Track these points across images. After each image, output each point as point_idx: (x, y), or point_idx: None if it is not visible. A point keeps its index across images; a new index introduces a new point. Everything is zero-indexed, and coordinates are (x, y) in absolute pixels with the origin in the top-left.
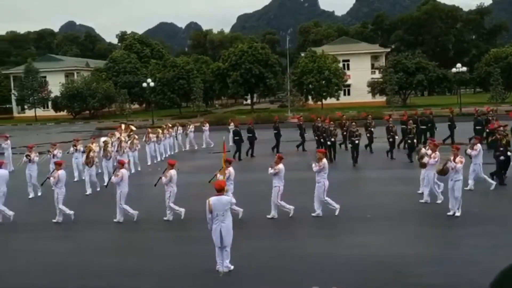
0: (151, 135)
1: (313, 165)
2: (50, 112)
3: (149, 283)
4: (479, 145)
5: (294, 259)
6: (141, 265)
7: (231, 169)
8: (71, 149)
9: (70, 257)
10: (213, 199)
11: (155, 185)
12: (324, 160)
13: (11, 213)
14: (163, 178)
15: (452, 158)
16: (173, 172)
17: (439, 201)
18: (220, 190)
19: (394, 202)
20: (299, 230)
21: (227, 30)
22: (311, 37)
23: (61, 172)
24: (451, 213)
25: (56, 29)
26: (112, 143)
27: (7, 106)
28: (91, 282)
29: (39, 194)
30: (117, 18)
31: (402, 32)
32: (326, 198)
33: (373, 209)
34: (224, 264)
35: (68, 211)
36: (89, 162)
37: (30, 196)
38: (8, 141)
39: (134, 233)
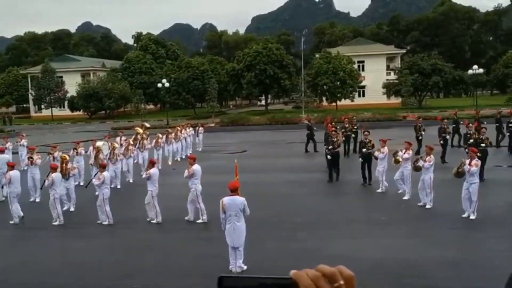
0: (178, 133)
1: (185, 173)
2: (66, 112)
3: (154, 281)
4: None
5: (309, 261)
6: (155, 264)
7: (195, 167)
8: (71, 152)
9: (98, 257)
10: (226, 200)
11: (86, 186)
12: (195, 167)
13: (21, 214)
14: (185, 172)
15: (467, 161)
16: (195, 167)
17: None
18: (234, 191)
19: (409, 203)
20: (313, 233)
21: (242, 31)
22: (326, 38)
23: (55, 175)
24: (465, 215)
25: (73, 29)
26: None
27: (25, 105)
28: (123, 281)
29: (38, 199)
30: (133, 19)
31: (418, 33)
32: (199, 202)
33: (388, 212)
34: (237, 264)
35: (61, 214)
36: (112, 158)
37: (31, 199)
38: (23, 141)
39: (152, 233)
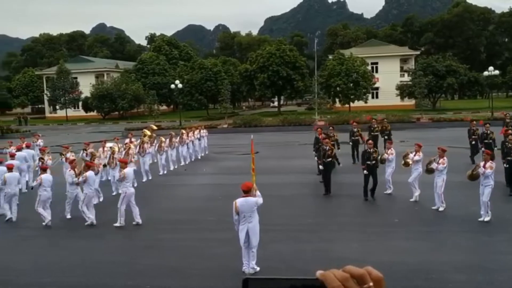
0: (184, 136)
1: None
2: (81, 113)
3: (172, 282)
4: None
5: (321, 263)
6: (166, 264)
7: (127, 170)
8: (82, 153)
9: (112, 256)
10: (240, 201)
11: (31, 187)
12: (127, 170)
13: (10, 215)
14: (116, 175)
15: (482, 163)
16: (127, 171)
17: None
18: (247, 191)
19: (423, 206)
20: (326, 235)
21: (255, 32)
22: (339, 40)
23: (44, 176)
24: (481, 218)
25: (87, 31)
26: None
27: (40, 106)
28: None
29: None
30: (147, 21)
31: (432, 34)
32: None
33: (400, 214)
34: (250, 265)
35: (46, 215)
36: (111, 163)
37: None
38: (39, 141)
39: (163, 234)
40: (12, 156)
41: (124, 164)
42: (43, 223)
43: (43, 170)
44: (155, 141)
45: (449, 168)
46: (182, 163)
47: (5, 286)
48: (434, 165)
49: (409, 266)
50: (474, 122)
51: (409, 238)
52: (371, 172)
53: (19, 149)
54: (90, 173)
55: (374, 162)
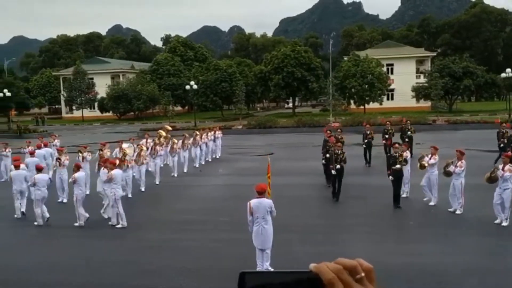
0: (197, 138)
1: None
2: (96, 113)
3: (185, 282)
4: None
5: None
6: (178, 265)
7: (115, 172)
8: (97, 153)
9: (125, 256)
10: (254, 202)
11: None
12: (114, 172)
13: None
14: (103, 176)
15: (501, 166)
16: (115, 172)
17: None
18: (262, 193)
19: (438, 209)
20: (340, 236)
21: (269, 33)
22: (354, 41)
23: (38, 176)
24: (498, 221)
25: (103, 32)
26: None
27: (56, 106)
28: (147, 280)
29: (65, 200)
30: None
31: (449, 35)
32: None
33: (415, 217)
34: (264, 266)
35: (39, 217)
36: (137, 161)
37: (58, 200)
38: (56, 141)
39: (175, 234)
40: (32, 153)
41: (112, 165)
42: (35, 223)
43: (38, 170)
44: (169, 143)
45: (466, 171)
46: (195, 165)
47: (16, 285)
48: (451, 168)
49: (423, 269)
50: (504, 124)
51: (424, 240)
52: (398, 178)
53: (39, 147)
54: (79, 174)
55: (399, 166)
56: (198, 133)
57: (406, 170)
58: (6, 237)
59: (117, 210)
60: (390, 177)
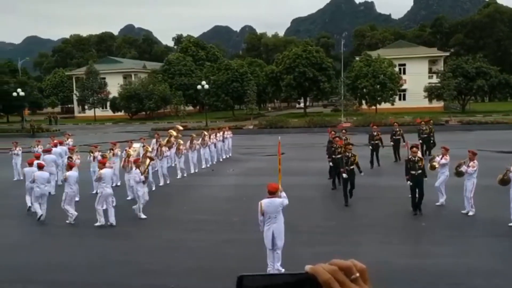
0: (206, 138)
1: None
2: (108, 112)
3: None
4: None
5: None
6: (189, 264)
7: (104, 171)
8: (108, 152)
9: (137, 255)
10: (265, 202)
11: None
12: (104, 171)
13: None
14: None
15: None
16: (104, 171)
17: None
18: (273, 192)
19: (451, 210)
20: (351, 238)
21: (281, 33)
22: (366, 41)
23: (38, 173)
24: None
25: (116, 32)
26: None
27: (69, 106)
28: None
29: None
30: (174, 22)
31: (462, 35)
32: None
33: (428, 218)
34: (275, 266)
35: (39, 210)
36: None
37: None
38: (69, 140)
39: (190, 233)
40: (49, 151)
41: (102, 165)
42: (37, 218)
43: (39, 167)
44: (174, 144)
45: (478, 172)
46: (204, 166)
47: (34, 283)
48: (464, 168)
49: (435, 271)
50: None
51: (436, 242)
52: (417, 183)
53: (55, 145)
54: (71, 173)
55: (420, 171)
56: (206, 133)
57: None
58: (14, 235)
59: (98, 207)
60: (409, 182)
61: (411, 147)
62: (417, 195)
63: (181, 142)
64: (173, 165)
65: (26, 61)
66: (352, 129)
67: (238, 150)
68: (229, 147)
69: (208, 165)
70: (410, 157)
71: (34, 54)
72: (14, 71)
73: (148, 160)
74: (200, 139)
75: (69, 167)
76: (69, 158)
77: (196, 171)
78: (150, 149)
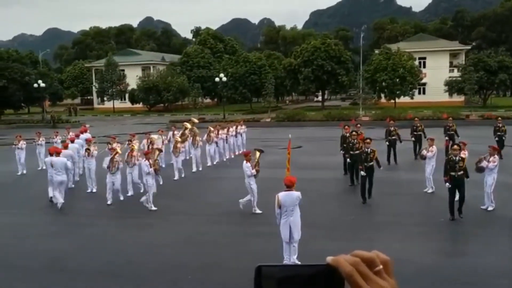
0: (212, 134)
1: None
2: (127, 104)
3: (207, 277)
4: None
5: None
6: (207, 257)
7: (54, 158)
8: (126, 144)
9: (154, 248)
10: (282, 195)
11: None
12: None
13: (61, 200)
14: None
15: None
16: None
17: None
18: (290, 186)
19: (470, 206)
20: (368, 234)
21: (300, 26)
22: (386, 34)
23: (54, 158)
24: None
25: (135, 24)
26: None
27: (88, 97)
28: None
29: (95, 190)
30: (193, 14)
31: (484, 28)
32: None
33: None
34: (291, 259)
35: (59, 198)
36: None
37: (88, 190)
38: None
39: (206, 226)
40: (73, 140)
41: (57, 153)
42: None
43: (57, 153)
44: (189, 137)
45: (499, 168)
46: (209, 164)
47: (55, 270)
48: (484, 163)
49: (451, 268)
50: None
51: (454, 239)
52: (458, 185)
53: (77, 136)
54: (57, 159)
55: (461, 173)
56: (212, 129)
57: (431, 165)
58: (34, 224)
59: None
60: (447, 184)
61: (452, 146)
62: (457, 198)
63: (197, 131)
64: (187, 158)
65: (47, 53)
66: (370, 123)
67: (255, 143)
68: (243, 143)
69: (214, 163)
70: (450, 156)
71: (55, 46)
72: (35, 63)
73: (157, 152)
74: (205, 135)
75: (57, 153)
76: (87, 149)
77: (214, 163)
78: (156, 138)
